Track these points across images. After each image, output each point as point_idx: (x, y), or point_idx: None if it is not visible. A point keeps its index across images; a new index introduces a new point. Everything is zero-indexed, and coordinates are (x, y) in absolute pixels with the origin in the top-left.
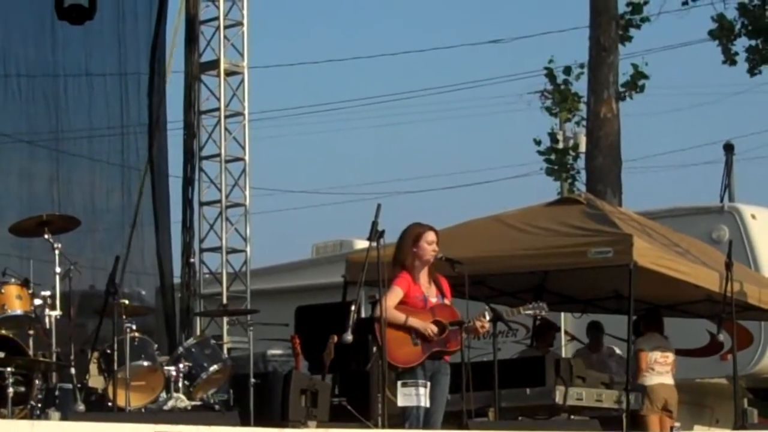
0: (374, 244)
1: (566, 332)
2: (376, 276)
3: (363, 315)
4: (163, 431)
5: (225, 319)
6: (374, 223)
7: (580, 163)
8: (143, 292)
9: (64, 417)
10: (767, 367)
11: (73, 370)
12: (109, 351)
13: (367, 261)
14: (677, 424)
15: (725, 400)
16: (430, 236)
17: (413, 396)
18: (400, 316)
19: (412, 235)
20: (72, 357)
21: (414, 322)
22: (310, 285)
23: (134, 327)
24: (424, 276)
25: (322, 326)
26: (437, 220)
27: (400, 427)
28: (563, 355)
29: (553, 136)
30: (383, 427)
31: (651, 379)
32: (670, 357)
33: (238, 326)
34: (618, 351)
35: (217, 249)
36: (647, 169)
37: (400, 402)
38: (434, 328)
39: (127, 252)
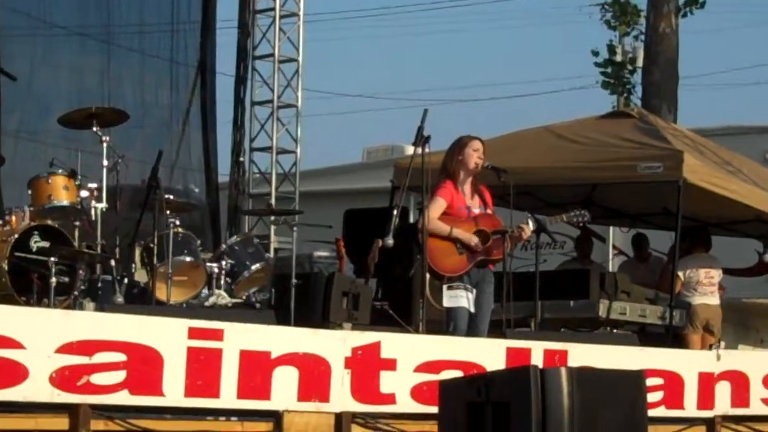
0: (419, 149)
1: (614, 246)
2: (422, 182)
3: (411, 221)
4: (197, 326)
5: (272, 219)
6: (420, 128)
7: (637, 78)
8: (196, 189)
9: (100, 308)
10: None
11: (113, 263)
12: (152, 245)
13: (412, 166)
14: (721, 343)
15: None
16: (476, 144)
17: (459, 298)
18: (444, 228)
19: (459, 143)
20: (117, 249)
21: (458, 233)
22: (360, 188)
23: (177, 222)
24: (468, 186)
25: (370, 230)
26: (491, 131)
27: (440, 332)
28: (610, 268)
29: (611, 48)
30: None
31: (694, 299)
32: (716, 276)
33: (285, 227)
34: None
35: (267, 149)
36: (705, 87)
37: (446, 303)
38: (477, 240)
39: (178, 149)
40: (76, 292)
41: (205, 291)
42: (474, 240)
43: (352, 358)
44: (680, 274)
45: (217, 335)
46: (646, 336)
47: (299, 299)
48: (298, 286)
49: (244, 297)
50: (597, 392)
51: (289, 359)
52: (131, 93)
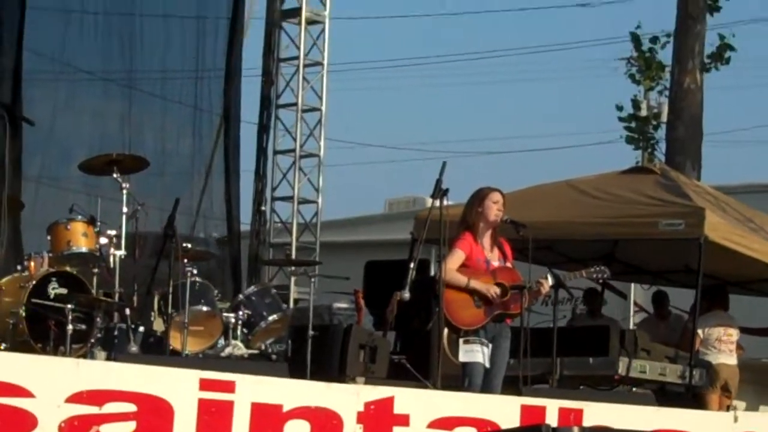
0: (437, 202)
1: (635, 303)
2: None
3: (432, 273)
4: (208, 378)
5: (291, 269)
6: (438, 181)
7: (661, 133)
8: (215, 236)
9: (112, 357)
10: None
11: (128, 311)
12: (168, 294)
13: (430, 218)
14: (735, 403)
15: None
16: (496, 197)
17: (475, 353)
18: (461, 279)
19: (479, 195)
20: (135, 297)
21: (476, 284)
22: (381, 240)
23: (195, 271)
24: (487, 238)
25: (391, 282)
26: (514, 184)
27: (457, 387)
28: (630, 325)
29: (635, 103)
30: (440, 386)
31: (715, 358)
32: (734, 335)
33: (305, 277)
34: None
35: (288, 198)
36: (729, 143)
37: (462, 358)
38: (497, 290)
39: (200, 197)
40: (92, 340)
41: (222, 341)
42: (493, 289)
43: (365, 412)
44: (699, 332)
45: (229, 387)
46: (666, 395)
47: (316, 351)
48: (315, 337)
49: (260, 348)
50: None
51: (301, 413)
52: (152, 140)
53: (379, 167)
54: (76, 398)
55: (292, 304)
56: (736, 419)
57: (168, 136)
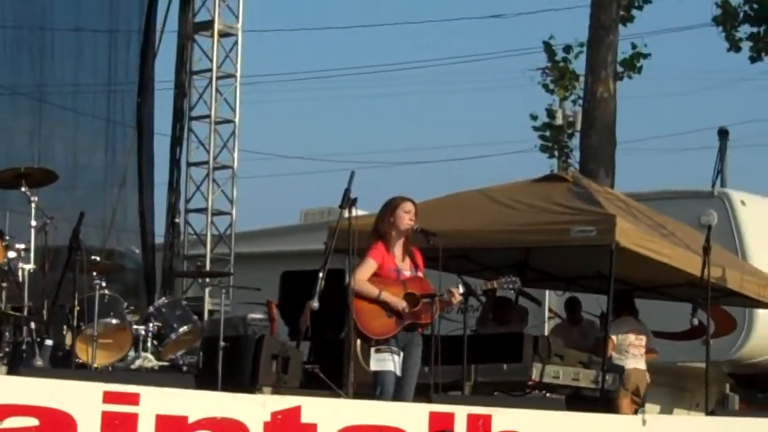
0: (346, 212)
1: (550, 309)
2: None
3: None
4: (112, 390)
5: (206, 281)
6: (347, 191)
7: (576, 142)
8: (137, 251)
9: (15, 371)
10: (749, 353)
11: (33, 325)
12: (75, 307)
13: (339, 228)
14: (647, 407)
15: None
16: (408, 206)
17: (386, 361)
18: (373, 290)
19: (391, 205)
20: (44, 311)
21: (387, 296)
22: (297, 251)
23: (104, 284)
24: (399, 248)
25: (306, 292)
26: (430, 194)
27: (371, 396)
28: (546, 331)
29: (550, 112)
30: (352, 395)
31: (627, 362)
32: (644, 340)
33: (218, 288)
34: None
35: (202, 210)
36: (642, 151)
37: (373, 366)
38: (404, 304)
39: (114, 210)
40: (0, 355)
41: (132, 354)
42: (401, 304)
43: (272, 423)
44: (613, 337)
45: (133, 399)
46: (581, 400)
47: (228, 362)
48: (227, 348)
49: (171, 360)
50: None
51: (206, 424)
52: (63, 153)
53: (293, 179)
54: None
55: (206, 316)
56: (644, 422)
57: (80, 149)
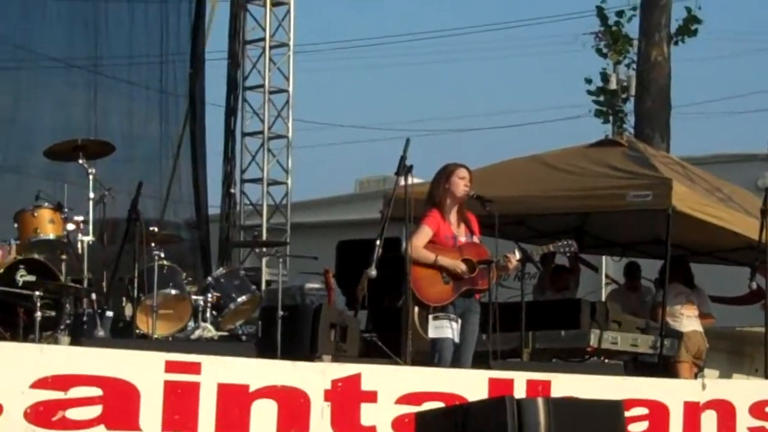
0: (402, 179)
1: (606, 275)
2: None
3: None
4: (174, 360)
5: (262, 251)
6: (402, 158)
7: (630, 106)
8: (191, 221)
9: (78, 342)
10: None
11: (94, 296)
12: (135, 278)
13: (395, 197)
14: (706, 372)
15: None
16: (462, 172)
17: (444, 328)
18: (429, 256)
19: (446, 172)
20: (104, 283)
21: (443, 260)
22: (352, 220)
23: (162, 255)
24: (454, 215)
25: (362, 261)
26: (484, 161)
27: (429, 364)
28: (602, 298)
29: (604, 76)
30: (410, 363)
31: (683, 326)
32: (695, 304)
33: (275, 258)
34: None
35: (258, 180)
36: (698, 115)
37: (431, 334)
38: (464, 267)
39: (170, 181)
40: (61, 327)
41: (191, 324)
42: (460, 266)
43: (332, 390)
44: (656, 309)
45: (195, 369)
46: (639, 365)
47: (287, 332)
48: (285, 318)
49: (230, 330)
50: (575, 423)
51: (267, 392)
52: (118, 125)
53: (349, 147)
54: (40, 384)
55: (264, 286)
56: (704, 387)
57: (134, 121)
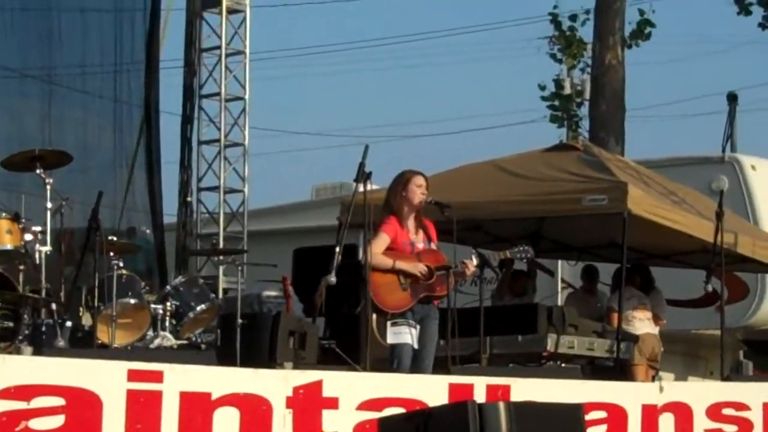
0: (361, 186)
1: (562, 279)
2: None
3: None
4: (136, 369)
5: (219, 259)
6: (361, 164)
7: (585, 111)
8: (147, 231)
9: (39, 352)
10: (763, 319)
11: (54, 306)
12: (95, 287)
13: (354, 203)
14: (662, 374)
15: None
16: (419, 180)
17: (403, 334)
18: (387, 261)
19: (402, 179)
20: (62, 293)
21: (402, 264)
22: (309, 227)
23: (121, 264)
24: (411, 221)
25: (319, 268)
26: (439, 166)
27: (387, 370)
28: (559, 302)
29: (558, 82)
30: (369, 369)
31: (636, 329)
32: (647, 306)
33: (233, 266)
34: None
35: (215, 188)
36: (652, 119)
37: (390, 340)
38: (423, 268)
39: (125, 190)
40: (20, 337)
41: (150, 333)
42: (419, 267)
43: (294, 397)
44: (614, 306)
45: (157, 377)
46: (596, 369)
47: (245, 339)
48: (244, 326)
49: (189, 338)
50: (536, 426)
51: (229, 400)
52: (73, 135)
53: (304, 154)
54: (3, 394)
55: (221, 294)
56: (661, 389)
57: (89, 130)
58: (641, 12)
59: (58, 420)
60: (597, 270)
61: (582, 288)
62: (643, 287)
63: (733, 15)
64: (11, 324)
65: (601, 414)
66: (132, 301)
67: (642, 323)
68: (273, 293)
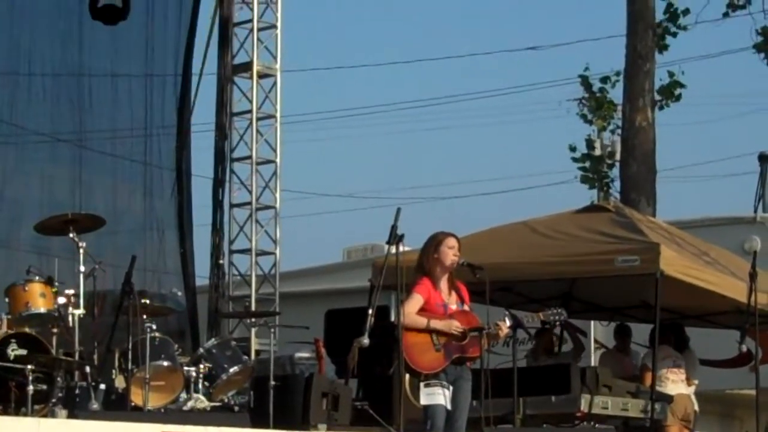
0: (393, 248)
1: (595, 340)
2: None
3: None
4: (171, 431)
5: (251, 321)
6: (393, 227)
7: (616, 172)
8: (179, 293)
9: (74, 415)
10: None
11: (88, 369)
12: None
13: (386, 265)
14: None
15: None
16: (451, 242)
17: (436, 395)
18: (421, 320)
19: (435, 241)
20: (95, 355)
21: (436, 323)
22: (340, 288)
23: (154, 327)
24: (444, 283)
25: (351, 330)
26: (472, 227)
27: (421, 431)
28: (591, 362)
29: (589, 143)
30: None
31: (668, 389)
32: (682, 367)
33: (265, 328)
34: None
35: (246, 251)
36: (683, 179)
37: (423, 401)
38: (458, 325)
39: (158, 253)
40: (53, 400)
41: (183, 395)
42: (454, 323)
43: None
44: (647, 364)
45: None
46: (630, 430)
47: (279, 401)
48: (277, 388)
49: (222, 400)
50: None
51: None
52: (103, 199)
53: (335, 216)
54: None
55: (253, 356)
56: None
57: (119, 194)
58: (671, 74)
59: None
60: (630, 329)
61: (615, 347)
62: (677, 346)
63: (762, 74)
64: (45, 387)
65: None
66: (165, 363)
67: (675, 384)
68: (305, 355)
